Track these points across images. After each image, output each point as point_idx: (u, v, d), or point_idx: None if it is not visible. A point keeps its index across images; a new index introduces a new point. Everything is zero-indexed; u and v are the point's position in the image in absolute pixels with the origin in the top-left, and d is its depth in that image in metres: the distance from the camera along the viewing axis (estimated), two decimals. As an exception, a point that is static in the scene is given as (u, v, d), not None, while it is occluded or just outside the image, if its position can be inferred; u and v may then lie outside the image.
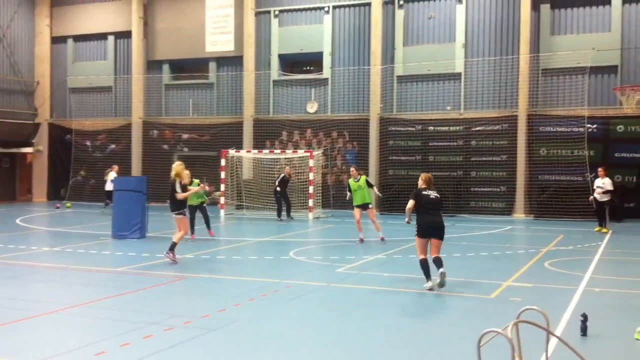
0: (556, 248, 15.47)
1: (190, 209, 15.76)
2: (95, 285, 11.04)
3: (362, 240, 16.10)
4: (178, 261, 12.92)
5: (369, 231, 16.96)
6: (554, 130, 23.38)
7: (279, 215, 22.41)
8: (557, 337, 5.00)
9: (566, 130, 23.11)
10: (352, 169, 17.01)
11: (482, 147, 24.26)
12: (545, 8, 24.01)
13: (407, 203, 10.78)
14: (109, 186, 22.81)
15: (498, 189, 24.04)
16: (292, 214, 22.84)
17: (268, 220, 22.36)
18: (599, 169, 19.74)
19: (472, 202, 24.31)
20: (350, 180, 16.65)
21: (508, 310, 9.04)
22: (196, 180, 16.01)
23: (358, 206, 16.29)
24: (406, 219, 11.00)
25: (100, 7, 31.14)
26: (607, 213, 19.17)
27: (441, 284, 10.24)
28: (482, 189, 24.22)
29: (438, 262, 10.33)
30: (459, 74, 25.08)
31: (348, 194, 16.79)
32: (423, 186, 10.82)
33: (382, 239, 16.00)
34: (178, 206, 13.30)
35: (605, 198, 19.09)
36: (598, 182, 19.41)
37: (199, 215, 17.04)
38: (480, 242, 16.56)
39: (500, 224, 21.23)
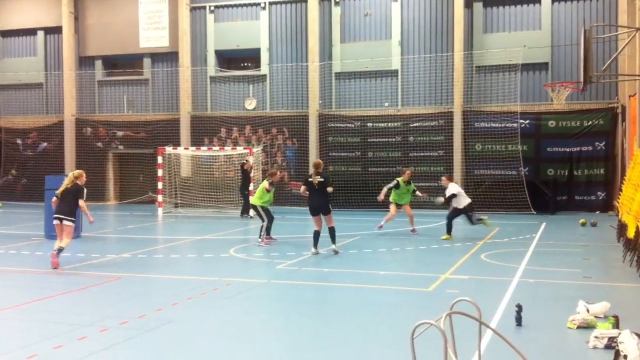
0: (492, 240, 15.82)
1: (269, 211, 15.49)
2: (28, 287, 10.67)
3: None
4: (109, 260, 12.60)
5: (295, 228, 16.95)
6: (489, 125, 23.94)
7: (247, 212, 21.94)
8: (489, 327, 5.09)
9: (500, 126, 23.70)
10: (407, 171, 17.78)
11: (419, 142, 24.63)
12: (477, 6, 24.54)
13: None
14: None
15: (435, 184, 24.40)
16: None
17: (207, 218, 22.09)
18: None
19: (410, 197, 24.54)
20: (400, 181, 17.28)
21: (445, 302, 9.10)
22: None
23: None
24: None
25: (29, 1, 30.06)
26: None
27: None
28: (420, 184, 24.45)
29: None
30: (396, 71, 25.36)
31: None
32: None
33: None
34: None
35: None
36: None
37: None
38: (418, 236, 16.77)
39: (437, 217, 21.54)
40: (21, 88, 30.27)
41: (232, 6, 27.33)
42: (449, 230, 16.07)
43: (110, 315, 8.43)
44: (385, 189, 17.32)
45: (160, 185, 23.94)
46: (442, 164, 24.32)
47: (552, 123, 23.52)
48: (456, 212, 16.11)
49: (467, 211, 16.14)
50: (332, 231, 13.51)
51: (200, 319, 8.35)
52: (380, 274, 11.45)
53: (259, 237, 15.20)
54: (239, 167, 23.41)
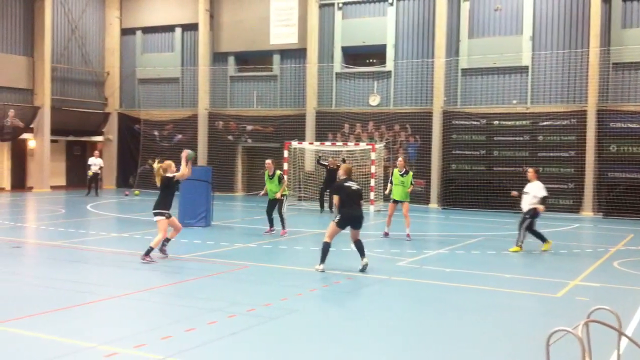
0: (626, 247, 15.00)
1: (270, 203, 16.17)
2: (161, 271, 11.33)
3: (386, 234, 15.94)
4: (237, 249, 13.07)
5: (418, 226, 16.81)
6: (625, 126, 22.64)
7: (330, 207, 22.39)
8: (629, 338, 4.85)
9: (638, 126, 22.33)
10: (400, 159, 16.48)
11: (549, 142, 23.69)
12: (616, 1, 23.20)
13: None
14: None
15: (565, 186, 23.43)
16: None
17: (328, 212, 22.39)
18: None
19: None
20: (396, 172, 16.12)
21: (574, 309, 8.84)
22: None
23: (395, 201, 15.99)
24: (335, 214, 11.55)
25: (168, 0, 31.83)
26: None
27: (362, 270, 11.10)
28: (549, 186, 23.49)
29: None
30: (526, 67, 24.53)
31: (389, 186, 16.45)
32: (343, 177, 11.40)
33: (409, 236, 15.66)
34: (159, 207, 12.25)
35: None
36: None
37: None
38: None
39: (567, 221, 20.71)
40: (159, 82, 32.10)
41: (360, 2, 27.51)
42: (542, 237, 14.09)
43: (238, 302, 8.81)
44: (390, 185, 16.45)
45: (285, 178, 24.51)
46: (572, 165, 23.28)
47: (698, 124, 21.88)
48: (535, 215, 14.02)
49: (531, 215, 13.98)
50: (361, 245, 11.38)
51: (322, 311, 8.54)
52: (505, 277, 11.18)
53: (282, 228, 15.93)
54: (316, 163, 23.94)
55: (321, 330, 7.66)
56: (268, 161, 16.44)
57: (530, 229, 14.03)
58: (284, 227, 16.02)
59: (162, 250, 12.27)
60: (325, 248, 11.17)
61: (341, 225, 11.14)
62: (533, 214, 13.95)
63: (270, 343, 7.08)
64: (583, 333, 4.23)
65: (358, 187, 11.41)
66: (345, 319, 8.26)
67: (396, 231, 16.23)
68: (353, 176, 12.44)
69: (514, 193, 14.96)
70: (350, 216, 11.11)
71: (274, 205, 16.21)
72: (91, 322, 7.80)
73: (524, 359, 6.72)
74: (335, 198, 11.22)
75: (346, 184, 11.22)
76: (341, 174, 11.54)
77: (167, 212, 12.20)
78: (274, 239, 15.30)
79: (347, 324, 8.04)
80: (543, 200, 14.02)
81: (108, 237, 15.55)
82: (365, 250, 11.34)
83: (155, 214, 12.21)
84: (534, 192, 14.00)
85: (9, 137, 28.42)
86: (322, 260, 11.17)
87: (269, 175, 16.24)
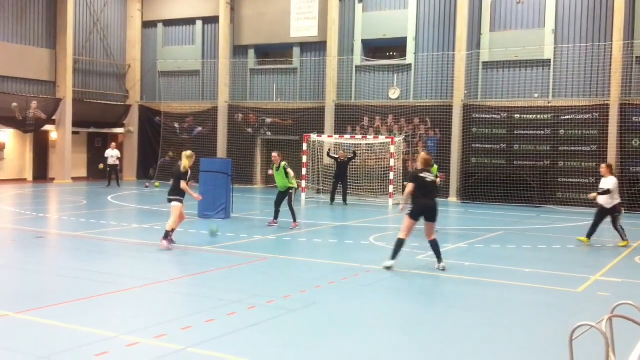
0: (648, 243, 14.84)
1: (277, 195, 16.26)
2: (181, 262, 11.43)
3: None
4: (256, 241, 13.13)
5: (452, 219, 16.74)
6: (649, 120, 22.34)
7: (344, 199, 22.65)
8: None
9: (662, 120, 22.05)
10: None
11: (571, 136, 23.44)
12: (641, -7, 22.89)
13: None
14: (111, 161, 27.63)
15: (587, 180, 23.19)
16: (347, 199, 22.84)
17: (347, 205, 22.42)
18: None
19: (558, 192, 23.59)
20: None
21: (596, 305, 8.79)
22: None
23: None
24: (400, 206, 11.36)
25: (189, -8, 31.96)
26: None
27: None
28: (570, 180, 23.45)
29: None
30: (548, 61, 24.29)
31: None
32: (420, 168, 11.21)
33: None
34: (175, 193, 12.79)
35: None
36: None
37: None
38: (566, 235, 16.08)
39: (588, 216, 20.48)
40: (180, 75, 32.26)
41: (380, -5, 27.42)
42: (590, 234, 14.26)
43: (257, 294, 8.86)
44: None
45: (304, 171, 24.61)
46: (594, 160, 23.01)
47: None
48: (604, 213, 14.22)
49: (614, 212, 14.24)
50: (436, 245, 11.15)
51: (341, 303, 8.56)
52: (525, 271, 11.11)
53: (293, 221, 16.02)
54: (327, 156, 24.11)
55: (340, 322, 7.69)
56: (274, 154, 16.52)
57: (598, 220, 14.31)
58: (294, 220, 16.10)
59: (170, 240, 12.48)
60: (399, 244, 10.87)
61: (415, 216, 10.89)
62: (618, 209, 14.26)
63: (290, 335, 7.12)
64: (607, 328, 4.20)
65: (433, 178, 11.19)
66: (363, 311, 8.27)
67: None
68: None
69: (593, 195, 14.58)
70: (425, 206, 10.86)
71: (283, 197, 16.27)
72: (112, 313, 7.89)
73: (545, 354, 6.69)
74: (409, 186, 10.89)
75: (421, 175, 10.96)
76: (418, 165, 11.40)
77: (182, 198, 12.74)
78: (293, 232, 15.34)
79: (365, 316, 8.05)
80: (604, 193, 14.16)
81: (129, 228, 15.69)
82: (441, 251, 11.08)
83: (171, 200, 12.73)
84: (607, 188, 14.20)
85: (32, 128, 28.75)
86: (393, 256, 10.84)
87: (275, 168, 16.28)
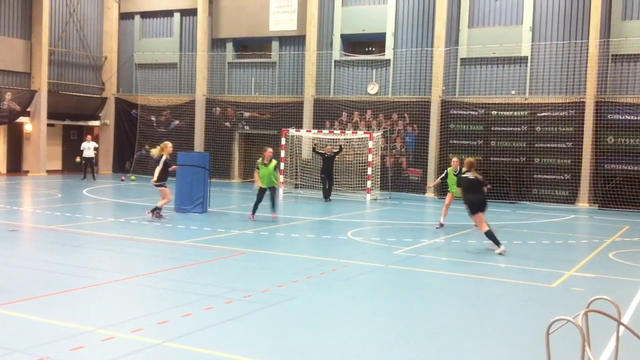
0: (621, 239, 15.05)
1: (260, 190, 16.19)
2: (158, 256, 11.34)
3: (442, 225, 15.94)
4: (233, 235, 13.07)
5: (415, 215, 16.84)
6: (623, 118, 22.64)
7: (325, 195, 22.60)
8: (630, 330, 4.86)
9: (636, 118, 22.38)
10: (454, 159, 16.66)
11: (546, 133, 23.70)
12: (617, -8, 23.16)
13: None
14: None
15: (562, 177, 23.48)
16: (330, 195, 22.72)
17: (329, 201, 22.42)
18: None
19: (534, 189, 23.84)
20: (450, 171, 16.24)
21: (570, 300, 8.90)
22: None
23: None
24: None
25: (167, -16, 31.64)
26: None
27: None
28: (545, 176, 23.70)
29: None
30: (525, 58, 24.50)
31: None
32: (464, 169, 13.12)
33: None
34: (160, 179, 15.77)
35: None
36: None
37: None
38: (541, 230, 16.26)
39: (563, 212, 20.78)
40: (157, 67, 31.97)
41: (359, -10, 27.40)
42: None
43: (235, 288, 8.83)
44: (438, 180, 17.30)
45: (282, 165, 24.55)
46: (570, 157, 23.31)
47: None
48: None
49: None
50: (492, 234, 12.56)
51: (319, 298, 8.56)
52: (501, 267, 11.22)
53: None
54: (312, 152, 24.24)
55: (317, 316, 7.69)
56: (270, 150, 16.46)
57: None
58: (275, 211, 16.34)
59: (159, 215, 15.35)
60: (491, 234, 12.39)
61: (473, 211, 12.54)
62: None
63: (268, 329, 7.10)
64: (583, 323, 4.24)
65: (473, 177, 12.74)
66: (342, 306, 8.28)
67: (428, 221, 16.22)
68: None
69: None
70: (476, 200, 12.52)
71: (264, 193, 16.22)
72: (88, 307, 7.80)
73: (520, 347, 6.75)
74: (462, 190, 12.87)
75: (463, 175, 12.97)
76: (464, 167, 13.27)
77: (165, 182, 15.71)
78: (271, 227, 15.31)
79: (343, 310, 8.06)
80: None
81: (105, 221, 15.54)
82: (498, 238, 12.44)
83: (157, 185, 15.73)
84: None
85: (6, 120, 28.32)
86: (497, 243, 12.27)
87: (263, 163, 16.15)
